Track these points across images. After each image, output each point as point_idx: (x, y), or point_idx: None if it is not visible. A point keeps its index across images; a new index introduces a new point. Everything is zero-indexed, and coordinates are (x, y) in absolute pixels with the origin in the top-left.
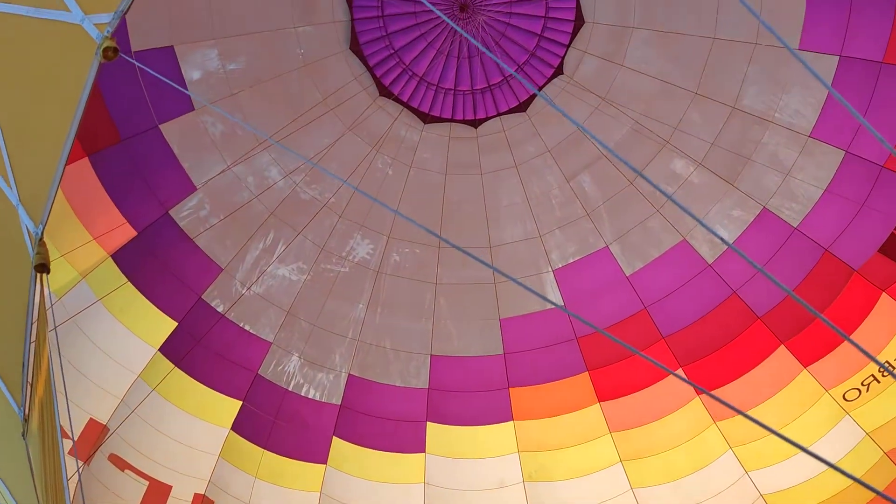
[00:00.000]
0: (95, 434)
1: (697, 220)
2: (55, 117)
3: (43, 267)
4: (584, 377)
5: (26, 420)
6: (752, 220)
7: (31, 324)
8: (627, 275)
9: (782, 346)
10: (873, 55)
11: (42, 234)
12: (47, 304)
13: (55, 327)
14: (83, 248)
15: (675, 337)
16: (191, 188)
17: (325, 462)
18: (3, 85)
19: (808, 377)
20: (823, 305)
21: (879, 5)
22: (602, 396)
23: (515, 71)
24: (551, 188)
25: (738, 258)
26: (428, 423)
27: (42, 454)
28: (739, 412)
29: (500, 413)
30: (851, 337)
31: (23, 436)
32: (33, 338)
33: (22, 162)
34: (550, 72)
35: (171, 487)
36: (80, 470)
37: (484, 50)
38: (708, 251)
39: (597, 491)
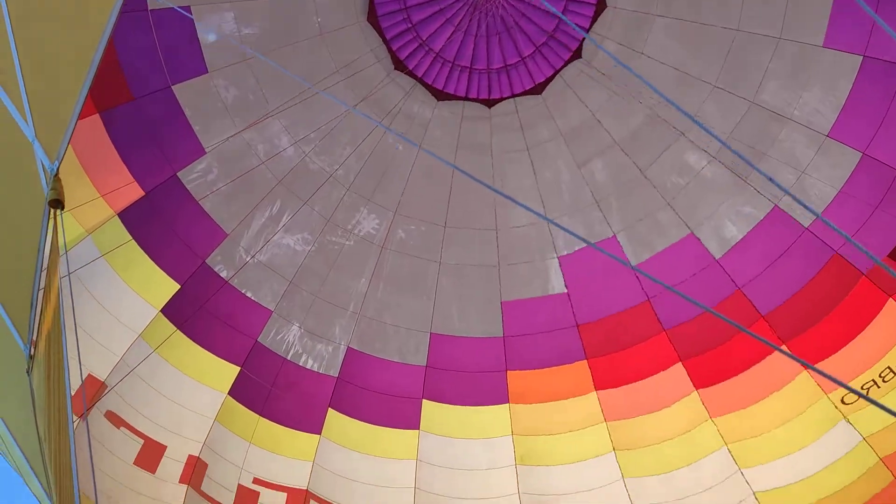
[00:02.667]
0: (93, 390)
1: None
2: (76, 54)
3: (57, 203)
4: (583, 365)
5: (31, 357)
6: (762, 217)
7: (43, 260)
8: (633, 265)
9: (784, 346)
10: None
11: (57, 170)
12: (60, 242)
13: (69, 274)
14: (90, 205)
15: (677, 330)
16: (200, 151)
17: (319, 433)
18: (26, 19)
19: (807, 379)
20: (830, 306)
21: None
22: (599, 385)
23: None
24: (562, 174)
25: (745, 256)
26: (424, 400)
27: (47, 389)
28: (853, 390)
29: (497, 395)
30: (857, 338)
31: (27, 372)
32: (44, 269)
33: (40, 97)
34: (568, 55)
35: (165, 447)
36: (75, 425)
37: None
38: (716, 246)
39: (588, 478)
